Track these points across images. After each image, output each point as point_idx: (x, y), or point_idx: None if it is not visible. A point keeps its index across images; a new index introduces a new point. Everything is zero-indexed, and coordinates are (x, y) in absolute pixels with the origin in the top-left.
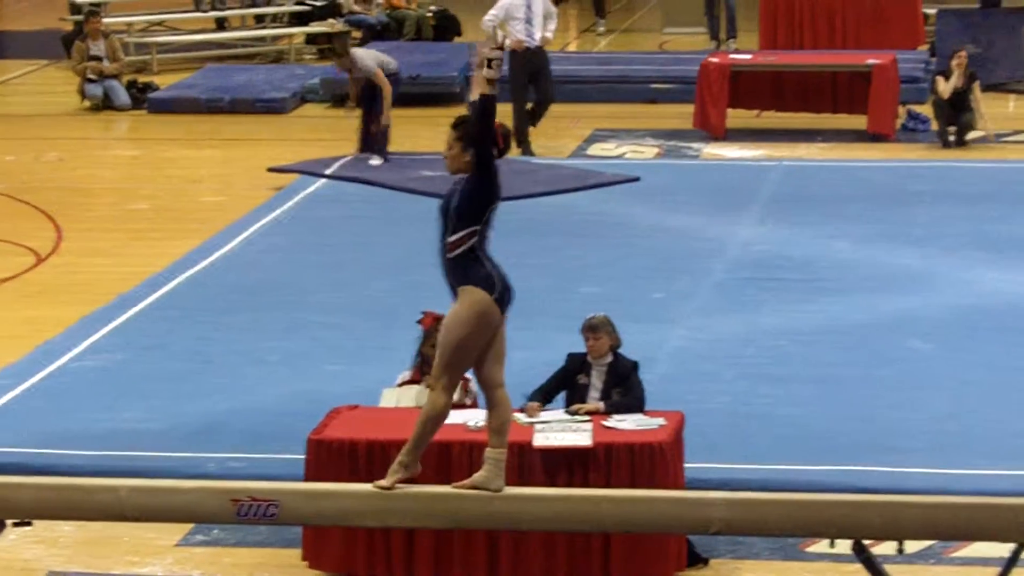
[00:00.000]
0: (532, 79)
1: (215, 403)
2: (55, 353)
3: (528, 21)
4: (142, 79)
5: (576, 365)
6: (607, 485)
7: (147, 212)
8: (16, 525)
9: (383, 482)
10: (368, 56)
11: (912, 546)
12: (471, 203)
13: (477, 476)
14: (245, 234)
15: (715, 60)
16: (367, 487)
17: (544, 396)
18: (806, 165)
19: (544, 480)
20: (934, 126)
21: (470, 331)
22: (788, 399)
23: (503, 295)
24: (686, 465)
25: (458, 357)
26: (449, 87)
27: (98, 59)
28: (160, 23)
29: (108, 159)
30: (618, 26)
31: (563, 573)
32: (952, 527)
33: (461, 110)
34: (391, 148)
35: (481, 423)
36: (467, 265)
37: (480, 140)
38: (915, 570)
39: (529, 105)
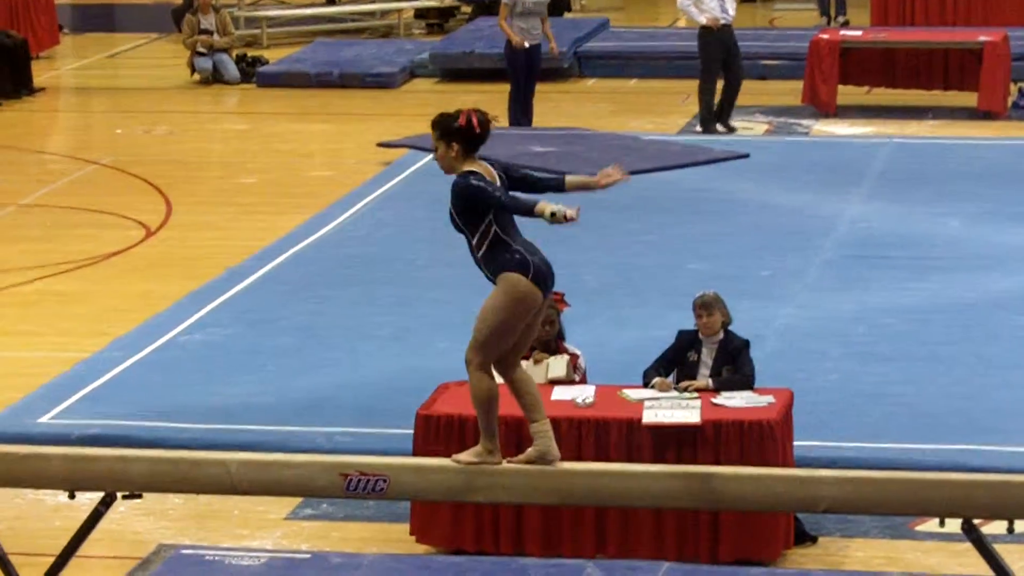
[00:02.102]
0: (724, 57)
1: (324, 378)
2: (165, 327)
3: None
4: (252, 53)
5: (687, 342)
6: (716, 462)
7: (256, 186)
8: (126, 498)
9: (462, 456)
10: None
11: (1022, 525)
12: (464, 203)
13: (531, 451)
14: (354, 209)
15: (825, 36)
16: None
17: (657, 373)
18: (916, 142)
19: (653, 457)
20: None
21: (508, 316)
22: (897, 377)
23: (541, 277)
24: (795, 443)
25: (494, 340)
26: (559, 62)
27: (208, 33)
28: None
29: (217, 133)
30: None
31: (671, 550)
32: None
33: (572, 85)
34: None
35: (590, 399)
36: (497, 255)
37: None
38: None
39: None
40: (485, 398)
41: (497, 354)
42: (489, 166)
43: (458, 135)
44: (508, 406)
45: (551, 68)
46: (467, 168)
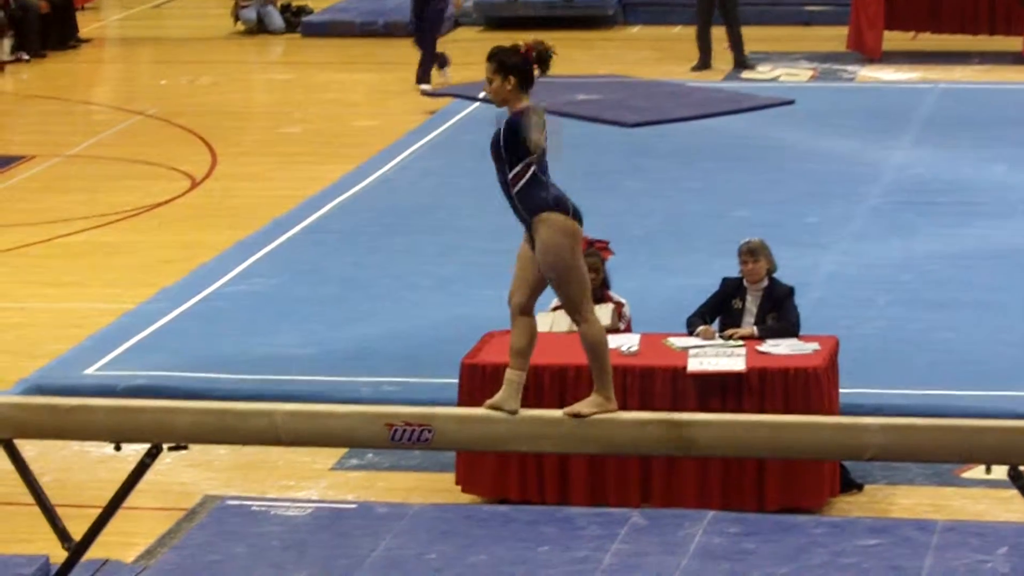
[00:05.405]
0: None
1: (369, 328)
2: (210, 277)
3: None
4: (296, 2)
5: (731, 289)
6: (761, 410)
7: (301, 136)
8: (172, 449)
9: (579, 408)
10: None
11: None
12: (516, 138)
13: (495, 398)
14: (399, 158)
15: None
16: (520, 412)
17: (701, 320)
18: (962, 87)
19: (698, 405)
20: None
21: (568, 252)
22: (943, 324)
23: (576, 212)
24: (841, 390)
25: (575, 280)
26: (603, 10)
27: None
28: None
29: (262, 83)
30: None
31: (716, 499)
32: None
33: (617, 33)
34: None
35: (635, 347)
36: (535, 194)
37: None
38: None
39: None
40: (596, 345)
41: (588, 290)
42: (542, 106)
43: (516, 69)
44: (552, 355)
45: (596, 16)
46: (524, 104)
